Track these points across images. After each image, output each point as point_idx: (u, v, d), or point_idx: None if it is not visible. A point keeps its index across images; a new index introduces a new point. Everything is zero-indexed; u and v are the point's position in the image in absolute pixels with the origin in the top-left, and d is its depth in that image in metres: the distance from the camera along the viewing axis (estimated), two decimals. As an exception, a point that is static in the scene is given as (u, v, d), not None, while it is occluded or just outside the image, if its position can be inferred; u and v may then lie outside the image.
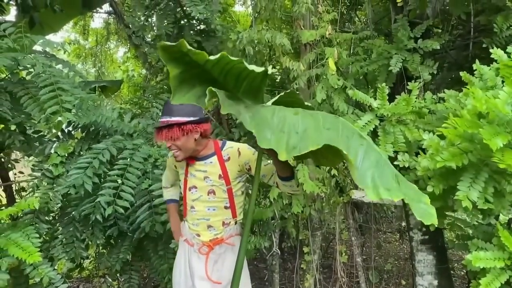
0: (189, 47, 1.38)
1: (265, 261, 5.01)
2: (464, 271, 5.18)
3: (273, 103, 1.65)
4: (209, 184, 2.13)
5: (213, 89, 1.38)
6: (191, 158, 2.15)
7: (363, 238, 5.33)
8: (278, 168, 1.90)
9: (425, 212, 1.33)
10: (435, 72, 3.22)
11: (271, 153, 1.80)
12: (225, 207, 2.16)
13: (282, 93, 1.64)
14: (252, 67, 1.45)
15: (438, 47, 3.15)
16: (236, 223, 2.23)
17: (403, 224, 6.03)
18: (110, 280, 4.28)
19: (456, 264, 5.44)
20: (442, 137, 2.27)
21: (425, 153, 2.34)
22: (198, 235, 2.18)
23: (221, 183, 2.12)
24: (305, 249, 3.70)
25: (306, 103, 1.80)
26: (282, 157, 1.28)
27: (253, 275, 4.89)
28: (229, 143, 2.20)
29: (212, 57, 1.40)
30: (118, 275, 3.71)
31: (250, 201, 1.69)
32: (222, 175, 2.12)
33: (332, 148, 1.31)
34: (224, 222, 2.17)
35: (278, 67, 4.96)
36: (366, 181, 1.30)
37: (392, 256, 5.59)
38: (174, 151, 2.07)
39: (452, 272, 4.31)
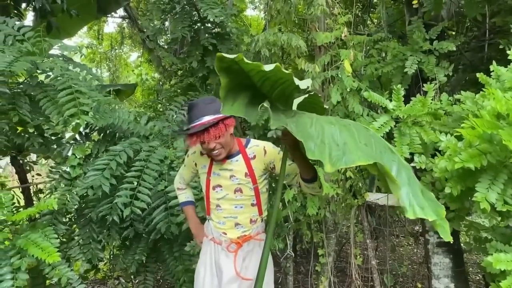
0: (248, 61, 1.39)
1: (278, 264, 5.00)
2: (480, 275, 5.12)
3: (298, 105, 1.67)
4: (236, 182, 2.13)
5: (265, 104, 1.45)
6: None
7: (376, 242, 5.30)
8: (302, 170, 1.91)
9: (441, 228, 1.35)
10: (450, 74, 3.20)
11: (295, 155, 1.84)
12: (252, 205, 2.17)
13: (307, 95, 1.66)
14: (297, 82, 1.47)
15: (454, 49, 3.13)
16: (262, 220, 2.25)
17: (417, 228, 5.98)
18: (124, 281, 4.31)
19: (471, 268, 5.37)
20: (459, 138, 2.26)
21: (441, 155, 2.33)
22: (225, 233, 2.18)
23: (247, 181, 2.13)
24: (320, 251, 3.69)
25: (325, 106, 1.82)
26: (327, 169, 1.27)
27: (266, 278, 4.89)
28: (253, 141, 2.21)
29: (267, 68, 1.41)
30: (132, 276, 3.74)
31: (275, 199, 1.71)
32: (248, 173, 2.13)
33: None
34: (252, 220, 2.18)
35: (290, 69, 4.98)
36: (403, 199, 1.31)
37: (406, 259, 5.54)
38: (217, 150, 2.03)
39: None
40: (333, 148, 1.32)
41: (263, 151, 2.14)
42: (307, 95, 1.64)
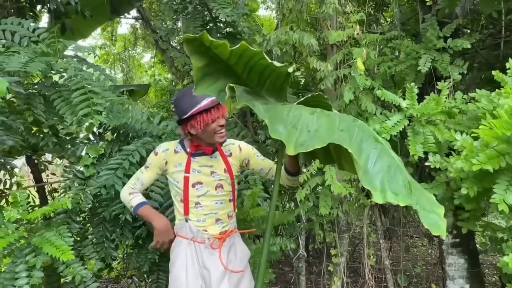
0: (212, 39, 1.42)
1: (290, 264, 4.99)
2: (496, 276, 5.05)
3: (299, 104, 1.67)
4: (217, 178, 2.22)
5: (231, 84, 1.43)
6: (210, 148, 2.22)
7: (390, 242, 5.25)
8: (290, 164, 2.08)
9: (434, 222, 1.31)
10: (465, 72, 3.16)
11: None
12: (229, 200, 2.28)
13: (309, 95, 1.66)
14: (274, 62, 1.48)
15: (469, 46, 3.09)
16: (234, 216, 2.37)
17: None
18: (137, 280, 4.34)
19: (487, 270, 5.30)
20: (475, 137, 2.23)
21: (456, 154, 2.29)
22: (206, 230, 2.21)
23: (226, 177, 2.24)
24: (333, 251, 3.67)
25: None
26: (289, 151, 1.32)
27: (278, 278, 4.89)
28: (228, 140, 2.34)
29: (234, 47, 1.43)
30: (145, 275, 3.76)
31: (271, 204, 1.73)
32: (226, 169, 2.24)
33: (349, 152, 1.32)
34: (229, 215, 2.28)
35: (302, 69, 4.96)
36: (374, 183, 1.31)
37: (420, 260, 5.48)
38: (223, 129, 2.14)
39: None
40: (303, 133, 1.37)
41: (238, 148, 2.30)
42: (309, 95, 1.65)
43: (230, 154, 2.28)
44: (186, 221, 2.24)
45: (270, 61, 1.49)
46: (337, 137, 1.35)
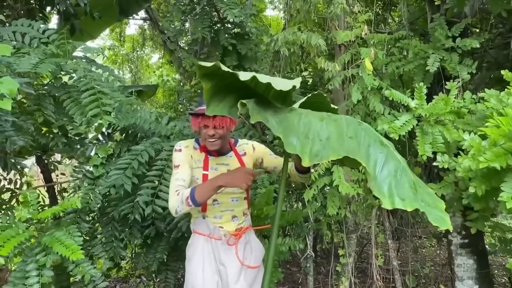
0: (225, 69, 1.44)
1: (297, 264, 4.99)
2: (505, 278, 5.01)
3: (301, 104, 1.69)
4: None
5: (243, 101, 1.47)
6: (217, 151, 2.24)
7: (398, 243, 5.23)
8: (298, 160, 2.06)
9: (439, 217, 1.35)
10: (474, 72, 3.14)
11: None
12: (244, 198, 2.31)
13: (310, 95, 1.69)
14: (280, 87, 1.49)
15: (478, 46, 3.07)
16: (249, 213, 2.40)
17: (439, 229, 5.88)
18: (146, 280, 4.36)
19: (496, 271, 5.25)
20: (483, 137, 2.22)
21: (465, 154, 2.28)
22: (222, 227, 2.23)
23: None
24: (340, 252, 3.67)
25: (332, 106, 1.83)
26: (305, 163, 1.35)
27: (286, 279, 4.89)
28: (242, 141, 2.39)
29: (244, 79, 1.46)
30: (153, 275, 3.78)
31: (278, 203, 1.74)
32: None
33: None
34: (244, 212, 2.31)
35: (310, 69, 4.96)
36: (382, 190, 1.35)
37: (429, 261, 5.45)
38: (214, 139, 2.14)
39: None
40: (315, 143, 1.40)
41: (252, 148, 2.35)
42: (310, 95, 1.68)
43: (244, 153, 2.32)
44: (204, 217, 2.26)
45: (276, 87, 1.50)
46: (347, 147, 1.39)
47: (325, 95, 1.76)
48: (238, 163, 2.28)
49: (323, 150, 1.37)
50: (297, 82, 1.55)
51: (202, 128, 2.14)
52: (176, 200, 2.00)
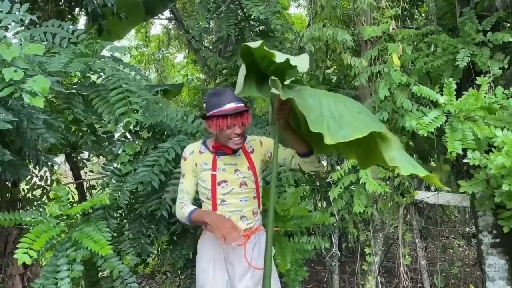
0: (267, 50, 1.50)
1: (322, 263, 4.95)
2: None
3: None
4: (241, 176, 2.23)
5: (273, 77, 1.51)
6: (230, 149, 2.22)
7: (425, 242, 5.13)
8: (296, 145, 2.01)
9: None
10: (505, 67, 3.05)
11: (288, 131, 1.92)
12: (254, 197, 2.28)
13: (293, 78, 1.74)
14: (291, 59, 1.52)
15: (510, 40, 2.98)
16: (260, 213, 2.37)
17: (468, 229, 5.74)
18: (172, 276, 4.41)
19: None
20: (517, 133, 2.15)
21: (497, 151, 2.22)
22: None
23: (250, 174, 2.25)
24: (367, 250, 3.62)
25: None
26: (327, 141, 1.32)
27: (310, 277, 4.86)
28: (250, 137, 2.35)
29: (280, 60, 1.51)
30: (179, 271, 3.82)
31: (271, 190, 1.73)
32: (249, 167, 2.25)
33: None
34: (254, 212, 2.29)
35: (334, 67, 4.92)
36: (400, 160, 1.40)
37: (457, 261, 5.33)
38: (239, 137, 2.14)
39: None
40: (330, 120, 1.39)
41: (259, 143, 2.30)
42: (293, 78, 1.72)
43: (252, 151, 2.29)
44: None
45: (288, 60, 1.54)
46: (364, 122, 1.41)
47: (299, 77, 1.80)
48: (246, 162, 2.25)
49: (342, 128, 1.35)
50: (303, 60, 1.58)
51: (229, 127, 2.10)
52: (179, 213, 2.24)
